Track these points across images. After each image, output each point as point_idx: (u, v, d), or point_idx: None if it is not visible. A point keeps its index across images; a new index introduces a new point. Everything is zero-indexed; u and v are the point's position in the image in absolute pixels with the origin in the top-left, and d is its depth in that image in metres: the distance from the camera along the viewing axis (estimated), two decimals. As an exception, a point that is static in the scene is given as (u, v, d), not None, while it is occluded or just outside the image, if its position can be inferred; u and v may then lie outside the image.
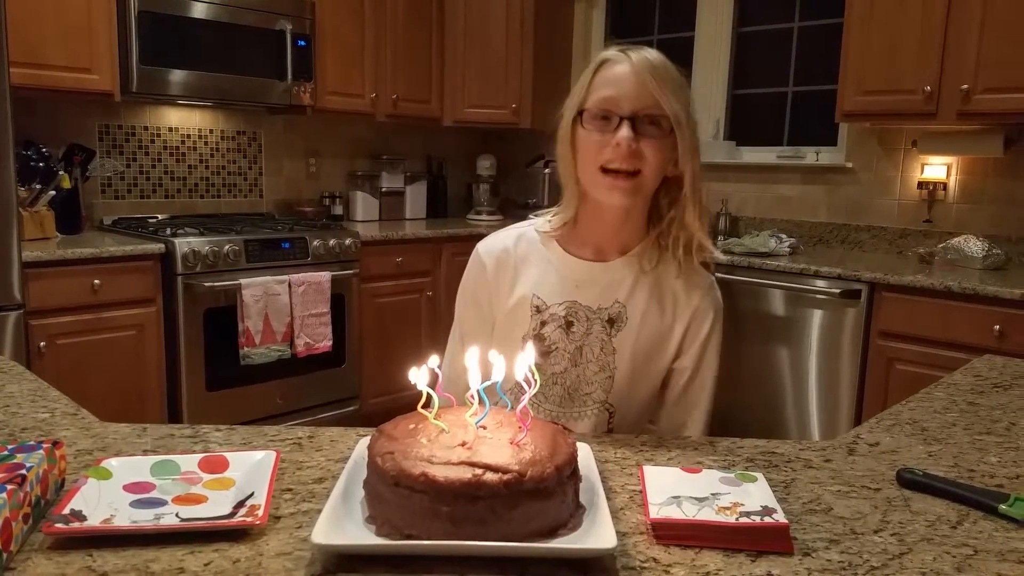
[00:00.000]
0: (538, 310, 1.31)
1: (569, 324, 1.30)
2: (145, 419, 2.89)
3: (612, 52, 1.25)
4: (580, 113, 1.24)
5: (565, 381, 1.31)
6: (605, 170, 1.22)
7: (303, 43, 3.52)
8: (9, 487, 0.74)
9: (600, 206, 1.28)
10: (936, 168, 3.28)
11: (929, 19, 2.90)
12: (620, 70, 1.22)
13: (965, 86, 2.83)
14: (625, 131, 1.19)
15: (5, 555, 0.71)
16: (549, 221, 1.36)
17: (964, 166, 3.24)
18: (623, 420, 1.34)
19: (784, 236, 3.39)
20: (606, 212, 1.29)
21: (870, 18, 3.05)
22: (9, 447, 0.84)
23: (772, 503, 0.82)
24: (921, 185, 3.32)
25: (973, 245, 3.00)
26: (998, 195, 3.16)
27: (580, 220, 1.33)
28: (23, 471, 0.78)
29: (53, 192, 2.99)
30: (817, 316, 3.01)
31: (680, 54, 4.04)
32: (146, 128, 3.54)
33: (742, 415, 3.24)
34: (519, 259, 1.35)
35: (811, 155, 3.68)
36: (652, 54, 1.24)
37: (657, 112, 1.20)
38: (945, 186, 3.28)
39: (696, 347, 1.33)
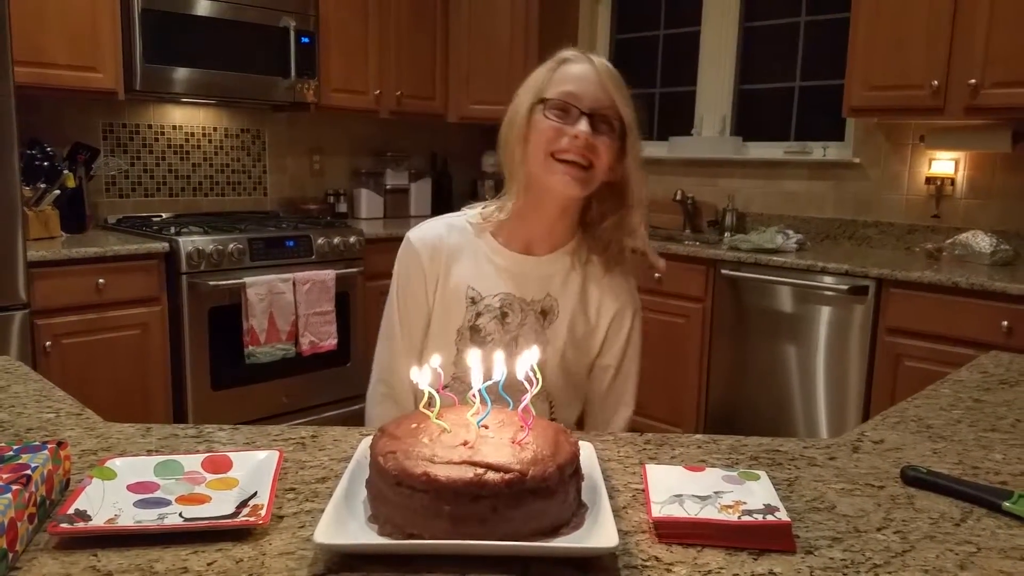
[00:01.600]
0: (473, 301, 1.34)
1: (504, 315, 1.34)
2: (150, 418, 2.90)
3: (573, 52, 1.31)
4: (542, 102, 1.28)
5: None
6: (557, 159, 1.26)
7: (307, 40, 3.52)
8: (14, 487, 0.74)
9: (543, 198, 1.31)
10: (944, 163, 3.27)
11: (936, 13, 2.88)
12: (583, 69, 1.29)
13: (973, 81, 2.81)
14: (584, 125, 1.25)
15: (11, 555, 0.72)
16: (481, 213, 1.39)
17: (972, 161, 3.22)
18: (561, 411, 1.39)
19: (791, 232, 3.38)
20: (548, 204, 1.32)
21: (877, 13, 3.03)
22: (14, 447, 0.85)
23: (775, 501, 0.82)
24: (929, 180, 3.31)
25: (981, 241, 2.99)
26: (1006, 190, 3.15)
27: (516, 214, 1.35)
28: (28, 471, 0.78)
29: (58, 191, 3.00)
30: (824, 313, 3.00)
31: (686, 49, 4.05)
32: (150, 126, 3.55)
33: (749, 412, 3.23)
34: (452, 248, 1.37)
35: (818, 150, 3.66)
36: (609, 63, 1.31)
37: (612, 114, 1.27)
38: (953, 181, 3.26)
39: (619, 345, 1.40)
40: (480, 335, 1.34)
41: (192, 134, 3.68)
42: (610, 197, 1.34)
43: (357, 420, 3.52)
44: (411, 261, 1.39)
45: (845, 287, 2.91)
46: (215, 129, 3.75)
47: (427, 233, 1.40)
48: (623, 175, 1.31)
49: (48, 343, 2.67)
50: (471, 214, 1.41)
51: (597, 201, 1.35)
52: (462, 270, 1.36)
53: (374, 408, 1.46)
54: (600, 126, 1.26)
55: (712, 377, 3.33)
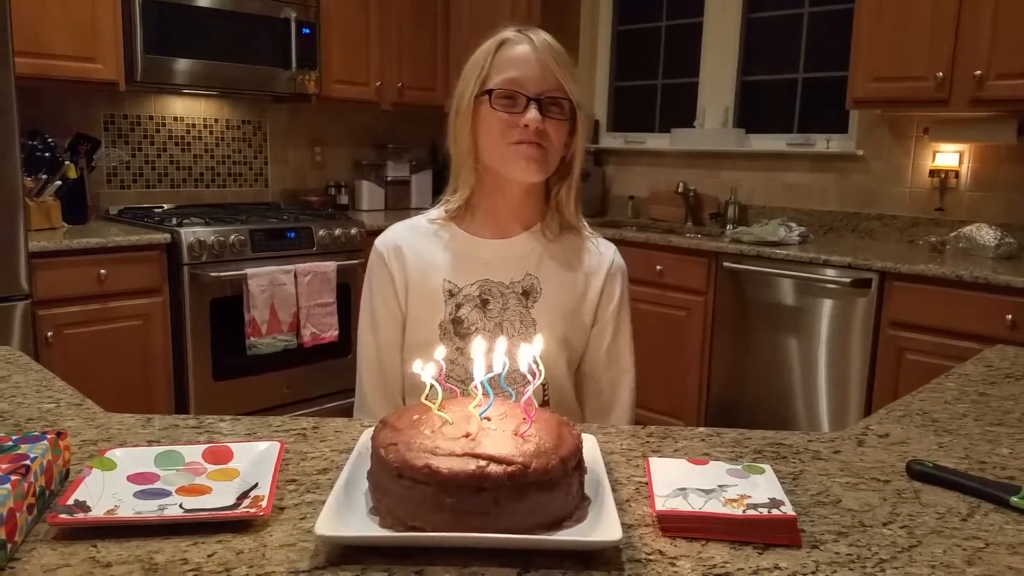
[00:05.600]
0: (451, 294, 1.33)
1: (484, 302, 1.32)
2: (152, 408, 2.90)
3: (511, 32, 1.28)
4: (487, 93, 1.25)
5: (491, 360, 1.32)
6: (512, 146, 1.25)
7: (308, 31, 3.51)
8: (13, 478, 0.74)
9: (502, 183, 1.31)
10: (948, 156, 3.25)
11: (941, 4, 2.86)
12: (522, 51, 1.26)
13: (978, 72, 2.80)
14: (533, 112, 1.23)
15: (10, 545, 0.71)
16: (444, 210, 1.38)
17: (977, 154, 3.21)
18: (557, 392, 1.36)
19: (794, 225, 3.36)
20: (508, 188, 1.32)
21: (881, 3, 3.01)
22: (13, 438, 0.84)
23: (780, 495, 0.81)
24: (933, 173, 3.30)
25: (985, 234, 2.98)
26: (1011, 183, 3.13)
27: (479, 201, 1.34)
28: (27, 462, 0.78)
29: (59, 182, 2.99)
30: (827, 306, 2.99)
31: (688, 40, 4.03)
32: (151, 117, 3.54)
33: (751, 406, 3.23)
34: (419, 248, 1.36)
35: (821, 142, 3.65)
36: (550, 37, 1.28)
37: (560, 95, 1.25)
38: (957, 174, 3.25)
39: (612, 309, 1.38)
40: (463, 326, 1.31)
41: (193, 125, 3.67)
42: (560, 172, 1.34)
43: (358, 412, 3.53)
44: (377, 267, 1.38)
45: (848, 280, 2.90)
46: (216, 120, 3.74)
47: (389, 237, 1.40)
48: (573, 151, 1.32)
49: (50, 333, 2.67)
50: (432, 214, 1.40)
51: (555, 175, 1.35)
52: (434, 266, 1.34)
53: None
54: (550, 108, 1.25)
55: (713, 370, 3.33)
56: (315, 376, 3.37)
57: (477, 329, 1.31)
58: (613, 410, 1.42)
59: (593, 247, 1.40)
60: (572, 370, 1.39)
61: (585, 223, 1.42)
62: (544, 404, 1.35)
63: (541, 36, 1.28)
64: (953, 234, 3.09)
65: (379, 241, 1.40)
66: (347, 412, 3.58)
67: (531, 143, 1.24)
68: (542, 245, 1.35)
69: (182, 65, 3.18)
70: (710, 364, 3.33)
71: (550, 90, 1.25)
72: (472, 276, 1.33)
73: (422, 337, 1.34)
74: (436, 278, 1.33)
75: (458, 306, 1.32)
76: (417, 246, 1.36)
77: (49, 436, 0.85)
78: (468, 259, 1.34)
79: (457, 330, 1.32)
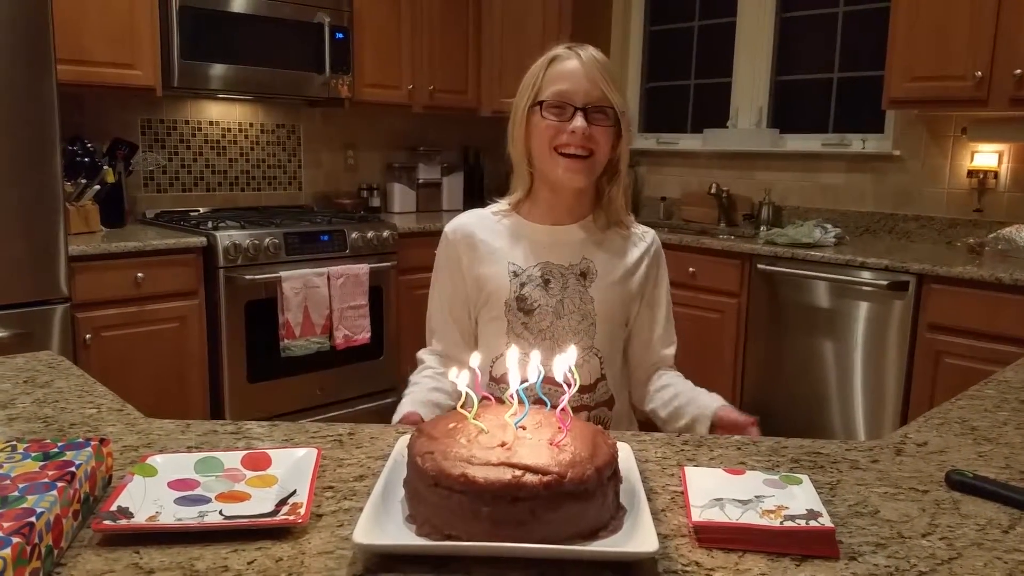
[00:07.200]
0: (515, 275, 1.44)
1: (547, 282, 1.43)
2: (187, 409, 2.94)
3: (561, 49, 1.42)
4: (539, 104, 1.38)
5: (553, 334, 1.42)
6: (560, 153, 1.37)
7: (341, 36, 3.54)
8: (59, 484, 0.76)
9: (555, 185, 1.43)
10: (987, 156, 3.19)
11: (980, 2, 2.80)
12: (571, 65, 1.39)
13: (1018, 71, 2.74)
14: (580, 121, 1.36)
15: (56, 551, 0.73)
16: (507, 202, 1.51)
17: (1016, 154, 3.14)
18: (611, 366, 1.48)
19: (829, 226, 3.32)
20: (560, 188, 1.44)
21: (918, 1, 2.96)
22: (59, 444, 0.86)
23: (818, 506, 0.81)
24: (971, 173, 3.23)
25: (1025, 235, 2.92)
26: (1052, 183, 3.06)
27: (538, 195, 1.47)
28: (72, 468, 0.79)
29: (98, 186, 3.05)
30: (863, 309, 2.95)
31: (722, 40, 3.99)
32: (187, 122, 3.59)
33: (785, 409, 3.19)
34: (485, 235, 1.48)
35: (857, 142, 3.59)
36: (597, 52, 1.41)
37: (605, 104, 1.38)
38: (996, 174, 3.18)
39: (660, 290, 1.53)
40: (527, 303, 1.42)
41: (228, 130, 3.72)
42: (609, 172, 1.46)
43: (390, 413, 3.54)
44: (447, 251, 1.50)
45: (884, 282, 2.86)
46: (251, 124, 3.79)
47: (459, 223, 1.51)
48: (619, 154, 1.44)
49: (88, 336, 2.72)
50: (495, 207, 1.52)
51: (604, 176, 1.46)
52: (499, 250, 1.46)
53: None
54: (595, 116, 1.37)
55: (747, 373, 3.30)
56: (348, 378, 3.40)
57: (540, 306, 1.41)
58: (674, 379, 1.52)
59: (637, 236, 1.52)
60: (622, 347, 1.51)
61: (632, 217, 1.54)
62: (602, 378, 1.46)
63: (589, 52, 1.40)
64: (992, 235, 3.03)
65: (449, 227, 1.52)
66: (379, 413, 3.57)
67: (576, 155, 1.37)
68: (594, 234, 1.48)
69: (218, 70, 3.23)
70: (743, 367, 3.30)
71: (595, 100, 1.37)
72: (534, 259, 1.44)
73: (490, 314, 1.46)
74: (501, 261, 1.45)
75: (522, 285, 1.43)
76: (484, 232, 1.48)
77: (93, 443, 0.86)
78: (529, 243, 1.46)
79: (521, 306, 1.42)
